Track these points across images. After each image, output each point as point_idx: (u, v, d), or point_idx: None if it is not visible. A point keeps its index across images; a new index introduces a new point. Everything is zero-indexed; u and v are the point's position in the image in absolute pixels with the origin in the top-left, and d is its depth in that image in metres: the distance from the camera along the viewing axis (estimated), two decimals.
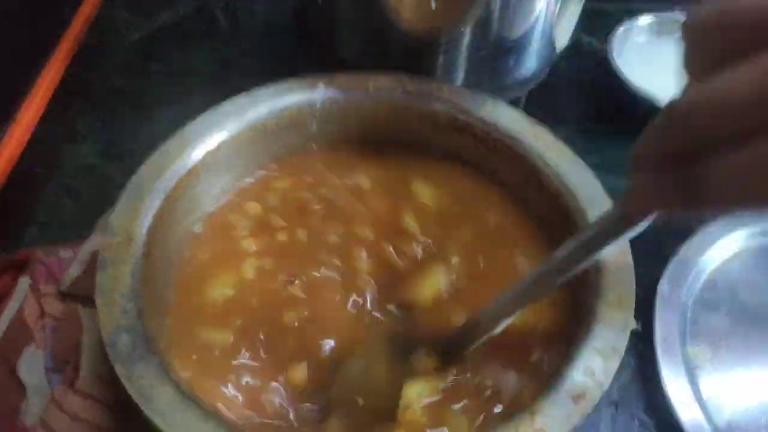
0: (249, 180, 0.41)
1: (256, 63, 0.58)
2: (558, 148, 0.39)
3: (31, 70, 0.54)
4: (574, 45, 0.56)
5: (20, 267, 0.39)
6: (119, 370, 0.29)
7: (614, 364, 0.31)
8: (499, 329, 0.32)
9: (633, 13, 0.61)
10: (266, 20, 0.62)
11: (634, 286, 0.34)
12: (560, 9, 0.45)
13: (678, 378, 0.40)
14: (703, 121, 0.19)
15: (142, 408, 0.28)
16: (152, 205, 0.35)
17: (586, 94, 0.59)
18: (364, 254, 0.38)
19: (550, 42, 0.48)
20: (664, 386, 0.39)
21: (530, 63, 0.48)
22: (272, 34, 0.60)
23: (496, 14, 0.42)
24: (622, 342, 0.32)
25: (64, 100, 0.55)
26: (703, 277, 0.46)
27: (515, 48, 0.45)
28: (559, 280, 0.29)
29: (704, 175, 0.19)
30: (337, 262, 0.38)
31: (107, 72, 0.58)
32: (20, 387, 0.34)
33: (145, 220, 0.34)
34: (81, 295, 0.35)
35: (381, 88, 0.42)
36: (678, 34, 0.21)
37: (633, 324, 0.33)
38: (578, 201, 0.37)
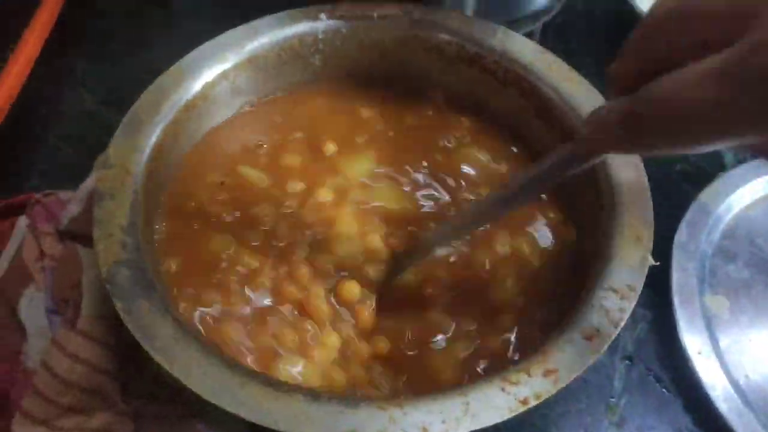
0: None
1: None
2: (573, 79, 0.37)
3: (26, 11, 0.52)
4: None
5: (17, 212, 0.39)
6: (119, 305, 0.28)
7: (630, 303, 0.29)
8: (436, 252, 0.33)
9: None
10: None
11: (653, 221, 0.32)
12: None
13: (695, 328, 0.38)
14: (674, 25, 0.20)
15: (142, 344, 0.27)
16: (150, 139, 0.34)
17: (603, 32, 0.56)
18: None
19: None
20: (680, 337, 0.38)
21: None
22: None
23: None
24: (639, 280, 0.30)
25: (62, 45, 0.53)
26: (722, 225, 0.44)
27: None
28: (504, 211, 0.30)
29: (651, 90, 0.20)
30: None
31: (103, 16, 0.56)
32: (21, 329, 0.33)
33: (143, 153, 0.33)
34: (80, 233, 0.34)
35: (386, 17, 0.39)
36: None
37: (650, 261, 0.31)
38: None
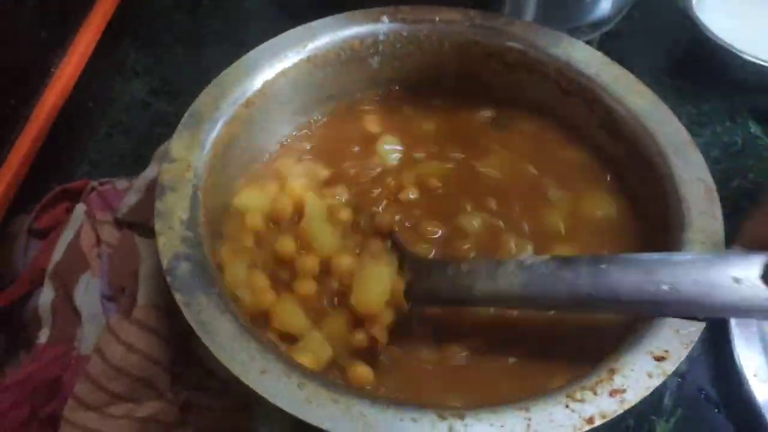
0: (306, 119, 0.40)
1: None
2: (639, 91, 0.36)
3: (84, 4, 0.53)
4: None
5: (73, 197, 0.39)
6: (179, 298, 0.28)
7: (701, 323, 0.28)
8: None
9: None
10: None
11: (723, 242, 0.31)
12: None
13: (752, 349, 0.37)
14: None
15: (202, 339, 0.27)
16: (210, 134, 0.34)
17: (661, 45, 0.55)
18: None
19: None
20: (736, 357, 0.36)
21: (605, 5, 0.45)
22: None
23: None
24: None
25: (116, 37, 0.54)
26: None
27: None
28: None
29: None
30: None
31: (159, 8, 0.57)
32: (76, 314, 0.34)
33: (204, 148, 0.33)
34: (137, 223, 0.34)
35: (448, 21, 0.39)
36: None
37: None
38: (660, 146, 0.34)
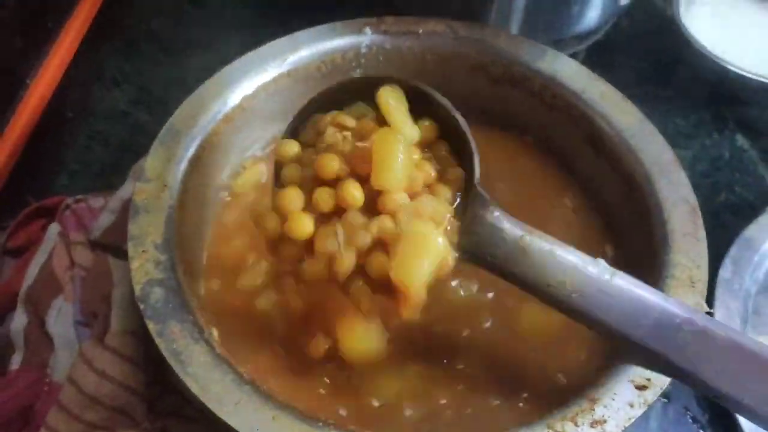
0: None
1: (297, 3, 0.55)
2: (625, 109, 0.36)
3: (63, 10, 0.52)
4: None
5: (48, 214, 0.38)
6: (151, 327, 0.28)
7: None
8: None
9: None
10: None
11: (707, 265, 0.31)
12: None
13: None
14: None
15: (174, 369, 0.27)
16: (187, 152, 0.33)
17: (649, 55, 0.54)
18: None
19: None
20: None
21: (592, 15, 0.44)
22: None
23: None
24: None
25: (96, 44, 0.53)
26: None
27: None
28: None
29: None
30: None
31: (140, 14, 0.55)
32: (49, 340, 0.33)
33: (180, 166, 0.32)
34: (112, 245, 0.33)
35: (431, 33, 0.38)
36: None
37: (704, 308, 0.29)
38: (644, 166, 0.34)
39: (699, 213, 0.32)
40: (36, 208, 0.38)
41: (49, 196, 0.43)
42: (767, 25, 0.55)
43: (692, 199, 0.32)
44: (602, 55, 0.50)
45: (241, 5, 0.55)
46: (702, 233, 0.32)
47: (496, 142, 0.39)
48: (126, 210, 0.33)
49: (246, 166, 0.38)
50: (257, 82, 0.36)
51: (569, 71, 0.37)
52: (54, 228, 0.35)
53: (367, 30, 0.38)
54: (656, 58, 0.54)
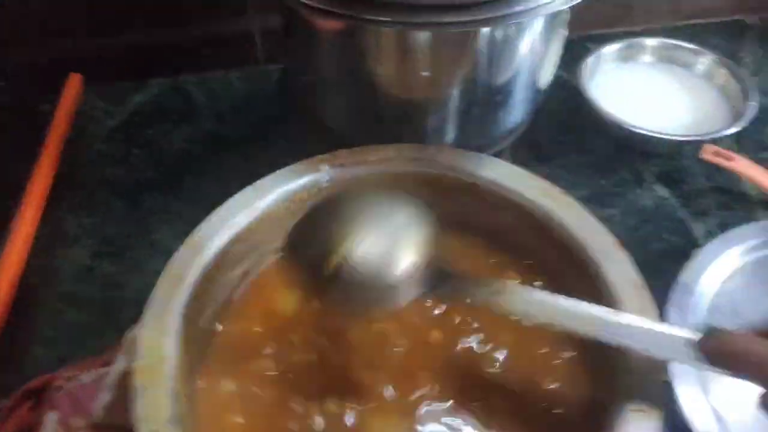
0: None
1: (241, 137, 0.58)
2: (566, 203, 0.40)
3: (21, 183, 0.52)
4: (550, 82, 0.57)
5: (37, 395, 0.38)
6: None
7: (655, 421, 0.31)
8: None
9: (596, 40, 0.64)
10: (246, 92, 0.62)
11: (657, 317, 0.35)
12: (546, 49, 0.46)
13: (698, 405, 0.40)
14: None
15: None
16: (177, 318, 0.34)
17: (565, 128, 0.60)
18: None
19: (535, 85, 0.49)
20: (686, 417, 0.39)
21: (518, 110, 0.49)
22: (253, 105, 0.60)
23: (484, 71, 0.43)
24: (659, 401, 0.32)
25: (52, 202, 0.53)
26: (706, 301, 0.46)
27: (504, 99, 0.46)
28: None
29: None
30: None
31: (91, 164, 0.57)
32: None
33: (172, 337, 0.34)
34: (117, 425, 0.33)
35: (382, 159, 0.42)
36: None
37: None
38: (589, 252, 0.38)
39: (646, 289, 0.36)
40: (22, 393, 0.38)
41: (27, 368, 0.43)
42: (660, 84, 0.63)
43: (637, 277, 0.37)
44: (525, 137, 0.55)
45: (186, 142, 0.58)
46: (649, 305, 0.35)
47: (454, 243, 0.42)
48: (123, 385, 0.33)
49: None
50: (230, 234, 0.38)
51: (509, 174, 0.41)
52: (52, 417, 0.35)
53: (325, 167, 0.41)
54: (572, 129, 0.61)
